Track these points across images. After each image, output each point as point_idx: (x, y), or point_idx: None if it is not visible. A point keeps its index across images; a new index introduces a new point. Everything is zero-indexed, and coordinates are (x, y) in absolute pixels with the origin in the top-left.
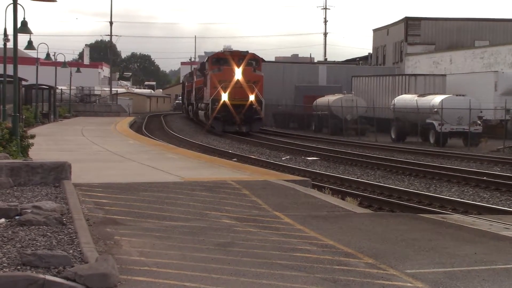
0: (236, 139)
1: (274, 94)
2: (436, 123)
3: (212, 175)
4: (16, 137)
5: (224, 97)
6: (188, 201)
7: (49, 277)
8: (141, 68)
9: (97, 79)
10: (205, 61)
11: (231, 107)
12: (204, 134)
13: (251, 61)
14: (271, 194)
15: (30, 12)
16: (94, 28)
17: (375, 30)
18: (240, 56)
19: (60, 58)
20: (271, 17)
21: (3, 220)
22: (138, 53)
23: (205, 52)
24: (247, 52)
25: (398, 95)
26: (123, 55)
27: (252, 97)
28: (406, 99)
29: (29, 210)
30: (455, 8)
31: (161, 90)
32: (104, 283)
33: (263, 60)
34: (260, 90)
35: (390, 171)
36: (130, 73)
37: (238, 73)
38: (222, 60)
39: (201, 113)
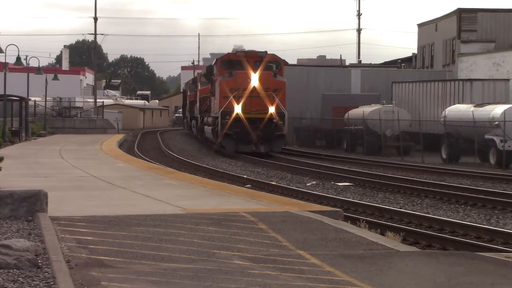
0: (250, 161)
1: (296, 105)
2: (497, 140)
3: (221, 206)
4: None
5: (237, 109)
6: (192, 238)
7: None
8: (133, 74)
9: (79, 88)
10: (212, 64)
11: (246, 121)
12: (211, 156)
13: (271, 63)
14: (293, 229)
15: None
16: (75, 26)
17: (420, 25)
18: (256, 58)
19: (34, 63)
20: (292, 10)
21: None
22: (128, 56)
23: (211, 54)
24: (266, 52)
25: (450, 105)
26: (111, 59)
27: (272, 109)
28: (460, 110)
29: None
30: None
31: (157, 101)
32: None
33: (285, 63)
34: (282, 100)
35: (441, 199)
36: (119, 81)
37: (254, 79)
38: (234, 62)
39: (207, 129)
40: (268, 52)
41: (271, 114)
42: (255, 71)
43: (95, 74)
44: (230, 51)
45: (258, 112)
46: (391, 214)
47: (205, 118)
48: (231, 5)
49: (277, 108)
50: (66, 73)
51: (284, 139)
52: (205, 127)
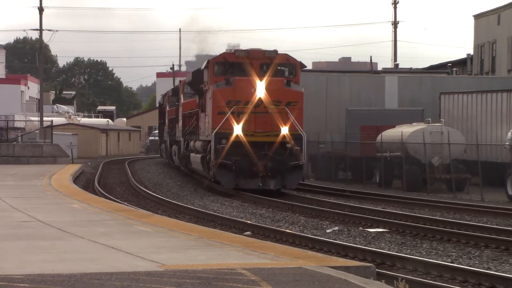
0: (250, 200)
1: (311, 124)
2: None
3: (211, 260)
4: None
5: (237, 129)
6: None
7: None
8: (92, 83)
9: (19, 103)
10: (202, 68)
11: (250, 146)
12: (199, 193)
13: (283, 67)
14: None
15: None
16: (15, 18)
17: (477, 17)
18: (263, 59)
19: None
20: None
21: None
22: (86, 59)
23: (196, 56)
24: (276, 52)
25: None
26: (62, 63)
27: (285, 130)
28: None
29: None
30: None
31: (124, 119)
32: None
33: (301, 66)
34: (298, 117)
35: (507, 249)
36: (74, 92)
37: (260, 89)
38: (232, 65)
39: (195, 157)
40: (279, 52)
41: (284, 136)
42: (261, 77)
43: (41, 83)
44: (228, 50)
45: (266, 134)
46: (440, 270)
47: (192, 143)
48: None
49: (291, 129)
50: (2, 82)
51: (301, 171)
52: (192, 154)
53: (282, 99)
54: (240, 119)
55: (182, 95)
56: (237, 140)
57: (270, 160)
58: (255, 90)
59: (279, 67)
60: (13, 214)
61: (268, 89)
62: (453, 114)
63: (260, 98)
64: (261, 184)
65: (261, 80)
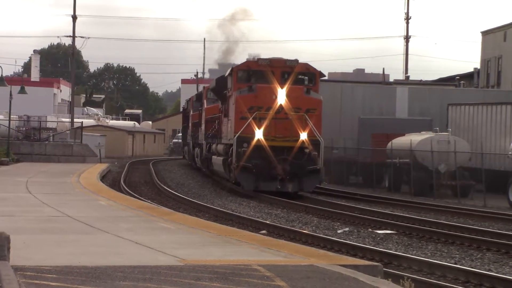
0: (266, 201)
1: (326, 131)
2: None
3: (228, 256)
4: None
5: (259, 134)
6: None
7: None
8: (120, 87)
9: (52, 104)
10: (226, 75)
11: (270, 150)
12: (218, 193)
13: (303, 75)
14: (320, 287)
15: None
16: (49, 26)
17: (485, 33)
18: (284, 68)
19: None
20: (323, 12)
21: None
22: (115, 65)
23: (219, 64)
24: (297, 61)
25: None
26: (93, 68)
27: (304, 136)
28: None
29: None
30: None
31: (150, 122)
32: None
33: (321, 75)
34: (317, 124)
35: (507, 253)
36: (103, 96)
37: (281, 96)
38: (254, 73)
39: (216, 160)
40: (300, 61)
41: (303, 141)
42: (282, 85)
43: (73, 87)
44: (251, 58)
45: (285, 139)
46: (444, 271)
47: (214, 146)
48: (247, 4)
49: (310, 135)
50: (36, 85)
51: (318, 175)
52: (213, 157)
53: (302, 106)
54: (261, 124)
55: (205, 101)
56: (258, 144)
57: (289, 164)
58: (276, 97)
59: (299, 76)
60: (43, 209)
61: (288, 96)
62: (460, 124)
63: (281, 105)
64: (279, 187)
65: (282, 87)
